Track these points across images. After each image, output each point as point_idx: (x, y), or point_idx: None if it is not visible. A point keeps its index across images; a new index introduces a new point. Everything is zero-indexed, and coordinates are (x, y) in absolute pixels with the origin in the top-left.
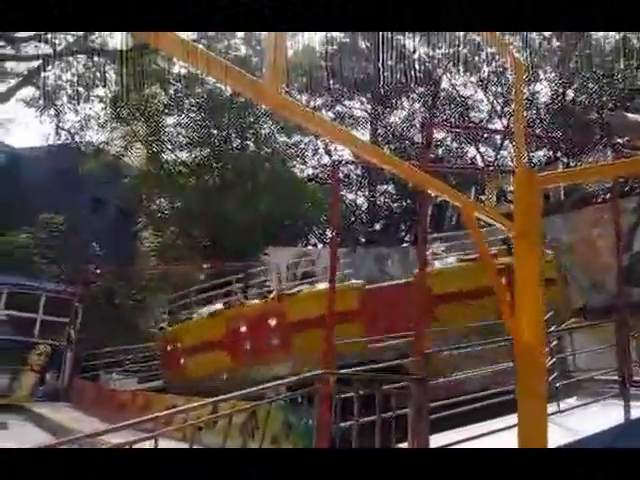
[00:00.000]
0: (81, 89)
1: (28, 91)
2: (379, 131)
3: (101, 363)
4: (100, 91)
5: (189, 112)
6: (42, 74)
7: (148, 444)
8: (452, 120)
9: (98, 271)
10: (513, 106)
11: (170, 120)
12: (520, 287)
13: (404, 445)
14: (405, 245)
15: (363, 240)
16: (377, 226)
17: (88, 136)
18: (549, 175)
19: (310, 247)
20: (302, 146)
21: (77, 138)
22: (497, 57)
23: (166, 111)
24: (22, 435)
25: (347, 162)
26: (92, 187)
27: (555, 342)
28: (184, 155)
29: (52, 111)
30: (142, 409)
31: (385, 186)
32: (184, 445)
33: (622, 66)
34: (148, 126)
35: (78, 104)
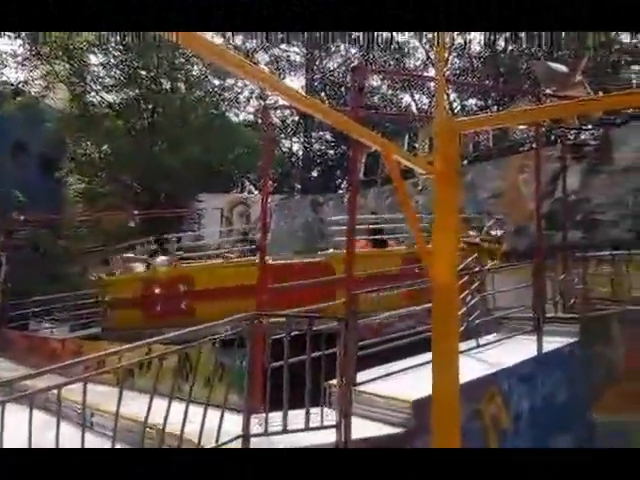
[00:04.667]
0: None
1: None
2: (316, 76)
3: (30, 312)
4: None
5: (115, 51)
6: None
7: (76, 385)
8: (386, 66)
9: (21, 218)
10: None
11: (95, 59)
12: (437, 230)
13: (333, 382)
14: (341, 192)
15: (299, 187)
16: (313, 173)
17: (5, 76)
18: (466, 120)
19: (246, 194)
20: (236, 89)
21: None
22: None
23: (91, 49)
24: None
25: (279, 107)
26: (11, 131)
27: (477, 283)
28: (111, 97)
29: None
30: (75, 356)
31: (321, 132)
32: (115, 389)
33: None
34: (71, 65)
35: None
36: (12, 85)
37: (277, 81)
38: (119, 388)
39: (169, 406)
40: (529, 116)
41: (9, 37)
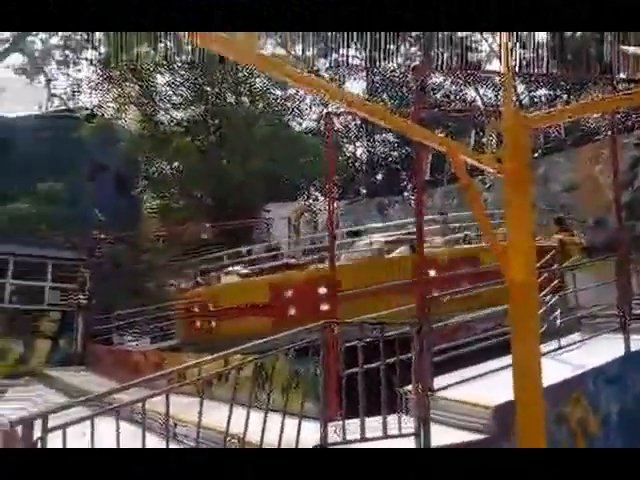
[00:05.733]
0: (69, 53)
1: (16, 58)
2: (376, 78)
3: (113, 326)
4: (89, 53)
5: (181, 70)
6: (27, 39)
7: (161, 405)
8: (448, 62)
9: (102, 236)
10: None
11: (162, 79)
12: (512, 229)
13: (409, 388)
14: (406, 193)
15: (365, 191)
16: (378, 176)
17: (81, 101)
18: (536, 116)
19: (311, 201)
20: (297, 98)
21: (70, 104)
22: None
23: (158, 70)
24: (39, 398)
25: (341, 113)
26: (89, 153)
27: (557, 280)
28: (179, 115)
29: (42, 77)
30: (157, 368)
31: (384, 135)
32: (195, 400)
33: None
34: (140, 87)
35: (68, 68)
36: (87, 109)
37: (337, 89)
38: (200, 399)
39: (248, 416)
40: (602, 106)
41: (80, 65)
